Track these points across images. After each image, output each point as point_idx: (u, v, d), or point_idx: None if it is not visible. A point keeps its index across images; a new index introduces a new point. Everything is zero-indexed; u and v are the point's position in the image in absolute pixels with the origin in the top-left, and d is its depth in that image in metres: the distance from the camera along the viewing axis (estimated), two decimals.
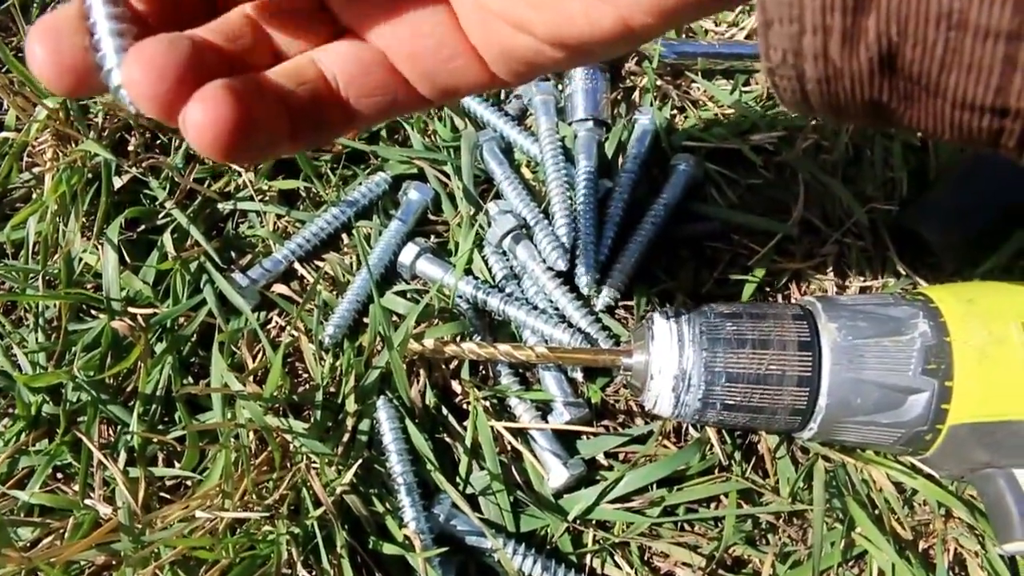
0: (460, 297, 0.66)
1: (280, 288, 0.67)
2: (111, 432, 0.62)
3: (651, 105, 0.76)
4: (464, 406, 0.63)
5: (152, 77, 0.29)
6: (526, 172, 0.73)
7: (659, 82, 0.77)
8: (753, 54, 0.78)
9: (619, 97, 0.77)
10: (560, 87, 0.76)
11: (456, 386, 0.64)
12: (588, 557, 0.59)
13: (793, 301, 0.66)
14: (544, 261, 0.67)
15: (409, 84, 0.36)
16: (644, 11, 0.30)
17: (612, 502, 0.60)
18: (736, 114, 0.75)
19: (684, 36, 0.81)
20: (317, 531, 0.54)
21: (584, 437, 0.63)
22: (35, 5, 0.77)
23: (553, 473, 0.60)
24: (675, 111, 0.76)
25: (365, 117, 0.36)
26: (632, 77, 0.78)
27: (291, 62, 0.34)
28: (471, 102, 0.74)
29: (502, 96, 0.77)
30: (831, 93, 0.28)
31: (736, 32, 0.81)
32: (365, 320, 0.65)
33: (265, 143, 0.32)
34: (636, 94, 0.77)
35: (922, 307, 0.55)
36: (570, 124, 0.74)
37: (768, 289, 0.68)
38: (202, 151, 0.30)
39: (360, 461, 0.57)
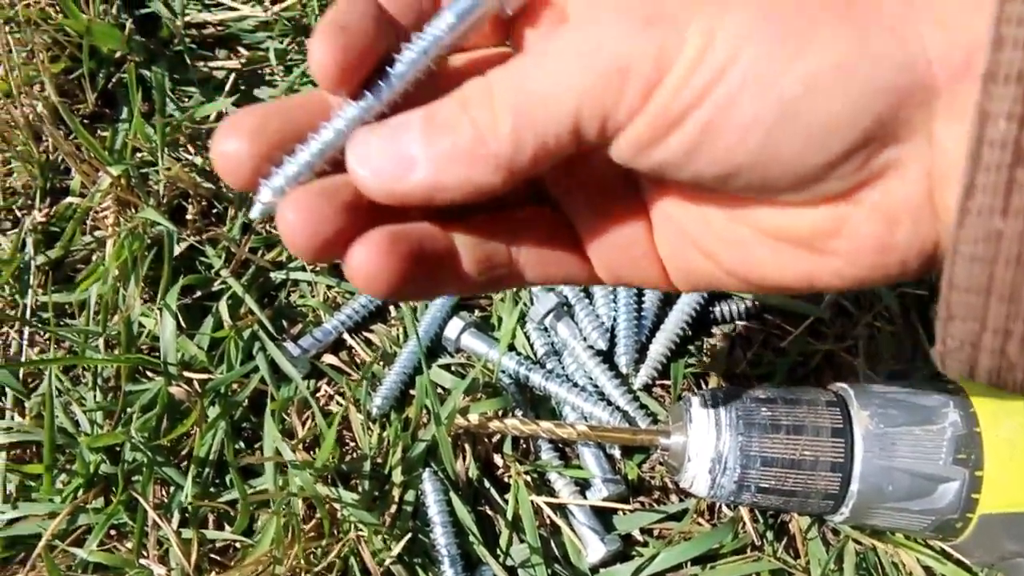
0: (503, 372, 0.68)
1: (330, 358, 0.69)
2: (164, 493, 0.65)
3: None
4: (506, 480, 0.65)
5: (306, 224, 0.31)
6: None
7: None
8: None
9: None
10: None
11: (498, 460, 0.66)
12: None
13: (827, 387, 0.69)
14: (585, 339, 0.69)
15: (589, 264, 0.38)
16: (833, 274, 0.32)
17: None
18: None
19: None
20: None
21: (621, 513, 0.65)
22: (100, 76, 0.80)
23: (591, 548, 0.62)
24: None
25: (531, 280, 0.37)
26: None
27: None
28: None
29: None
30: (1001, 379, 0.29)
31: None
32: (412, 392, 0.67)
33: (427, 292, 0.34)
34: None
35: (952, 396, 0.57)
36: None
37: (800, 369, 0.70)
38: (363, 291, 0.32)
39: (408, 534, 0.59)
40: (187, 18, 0.84)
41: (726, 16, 0.28)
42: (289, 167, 0.32)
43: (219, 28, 0.85)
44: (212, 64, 0.83)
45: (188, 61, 0.82)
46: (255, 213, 0.33)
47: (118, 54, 0.80)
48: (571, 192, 0.37)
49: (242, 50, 0.85)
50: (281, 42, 0.84)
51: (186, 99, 0.81)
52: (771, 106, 0.28)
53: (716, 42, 0.28)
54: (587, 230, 0.37)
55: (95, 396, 0.67)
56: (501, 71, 0.31)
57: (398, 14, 0.33)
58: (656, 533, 0.65)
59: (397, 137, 0.31)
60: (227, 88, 0.79)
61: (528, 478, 0.64)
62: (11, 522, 0.63)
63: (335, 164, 0.33)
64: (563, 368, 0.70)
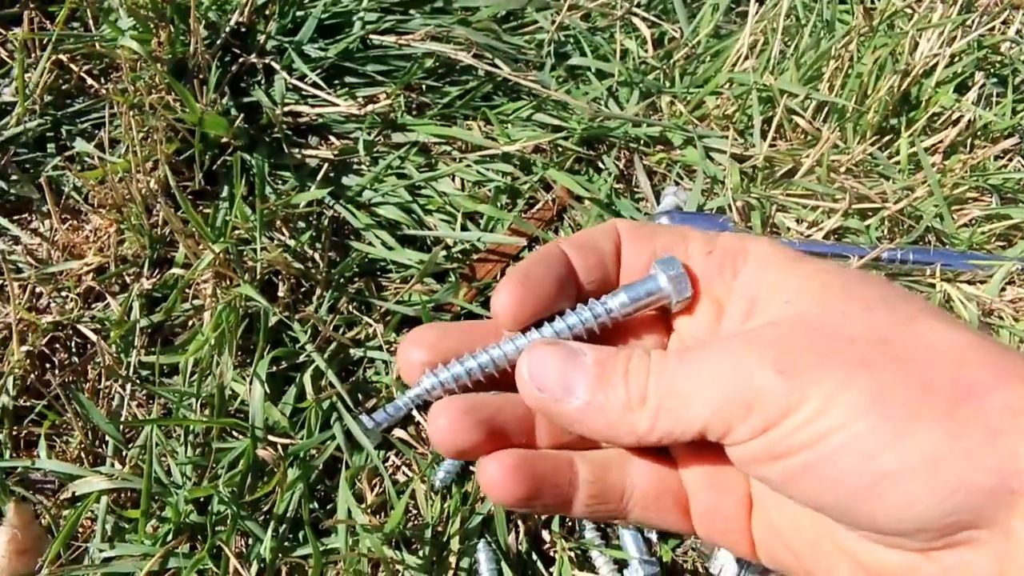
0: None
1: (400, 432, 0.77)
2: (245, 544, 0.72)
3: None
4: (552, 554, 0.72)
5: (449, 433, 0.38)
6: None
7: None
8: (830, 252, 0.88)
9: None
10: None
11: (546, 536, 0.73)
12: None
13: None
14: None
15: (689, 521, 0.42)
16: None
17: None
18: None
19: (769, 231, 0.91)
20: None
21: None
22: (206, 157, 0.89)
23: None
24: None
25: (631, 521, 0.43)
26: None
27: (603, 453, 0.41)
28: None
29: None
30: None
31: (815, 232, 0.91)
32: (472, 468, 0.75)
33: (541, 508, 0.40)
34: None
35: None
36: None
37: None
38: (489, 498, 0.40)
39: None
40: (285, 107, 0.93)
41: (846, 389, 0.33)
42: (452, 369, 0.40)
43: (314, 119, 0.94)
44: (306, 152, 0.92)
45: (285, 148, 0.91)
46: (412, 393, 0.41)
47: (224, 139, 0.89)
48: (692, 459, 0.42)
49: (333, 139, 0.94)
50: (369, 134, 0.93)
51: (281, 183, 0.90)
52: (862, 474, 0.32)
53: (832, 408, 0.33)
54: (697, 497, 0.42)
55: (186, 451, 0.75)
56: (660, 362, 0.37)
57: (585, 272, 0.41)
58: None
59: (570, 368, 0.37)
60: (319, 177, 0.87)
61: (572, 554, 0.71)
62: (107, 560, 0.70)
63: (490, 380, 0.40)
64: None
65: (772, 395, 0.33)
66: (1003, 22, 1.21)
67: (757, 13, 1.05)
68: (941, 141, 0.99)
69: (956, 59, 1.09)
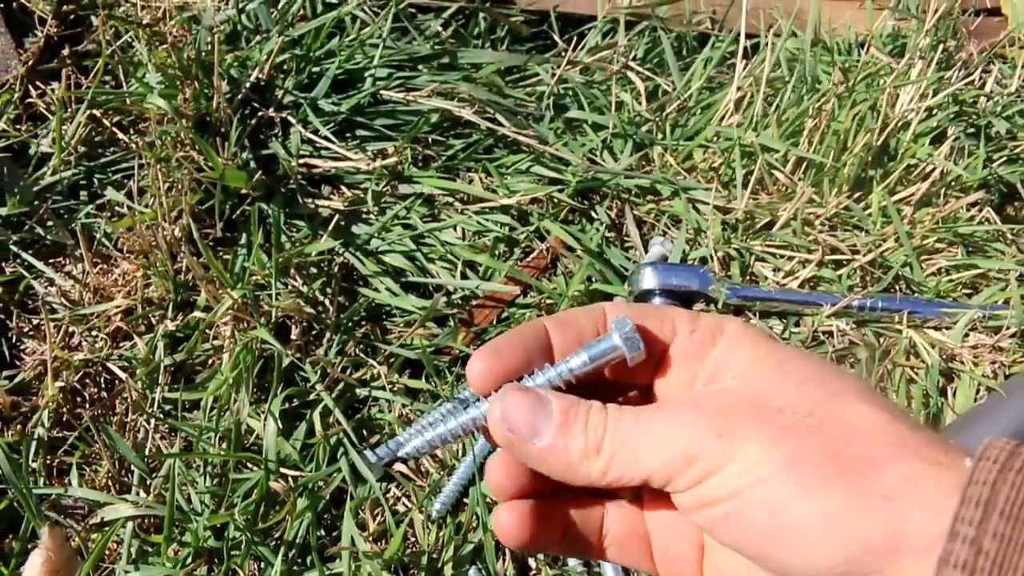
0: None
1: (400, 466, 0.84)
2: (257, 568, 0.79)
3: None
4: None
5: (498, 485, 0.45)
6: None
7: None
8: (804, 300, 0.94)
9: None
10: None
11: (532, 563, 0.80)
12: None
13: None
14: None
15: (652, 562, 0.48)
16: None
17: None
18: None
19: (747, 280, 0.97)
20: None
21: None
22: (226, 207, 0.96)
23: None
24: None
25: (608, 560, 0.49)
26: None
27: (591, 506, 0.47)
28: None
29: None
30: None
31: (791, 281, 0.97)
32: (465, 500, 0.81)
33: (538, 549, 0.48)
34: None
35: None
36: None
37: None
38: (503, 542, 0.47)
39: None
40: (300, 160, 1.00)
41: (769, 451, 0.38)
42: (426, 435, 0.47)
43: (327, 170, 1.01)
44: (319, 202, 0.99)
45: (299, 198, 0.98)
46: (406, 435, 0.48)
47: (243, 190, 0.96)
48: (655, 505, 0.47)
49: (344, 189, 1.02)
50: (378, 185, 1.00)
51: (296, 231, 0.97)
52: (773, 524, 0.38)
53: (756, 467, 0.38)
54: (657, 539, 0.47)
55: (205, 481, 0.82)
56: (617, 416, 0.42)
57: (560, 348, 0.46)
58: None
59: (537, 413, 0.42)
60: (330, 227, 0.94)
61: None
62: None
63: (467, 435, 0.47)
64: None
65: (709, 454, 0.39)
66: (984, 71, 1.28)
67: (744, 70, 1.11)
68: (913, 194, 1.05)
69: (932, 112, 1.15)
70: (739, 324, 0.45)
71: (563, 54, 1.13)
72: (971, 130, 1.20)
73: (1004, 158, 1.19)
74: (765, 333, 0.45)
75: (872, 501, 0.37)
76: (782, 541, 0.38)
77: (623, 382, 0.48)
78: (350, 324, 0.91)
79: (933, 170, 1.08)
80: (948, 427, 0.88)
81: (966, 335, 0.95)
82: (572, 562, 0.80)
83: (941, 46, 1.20)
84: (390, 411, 0.88)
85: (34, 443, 0.83)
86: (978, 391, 0.92)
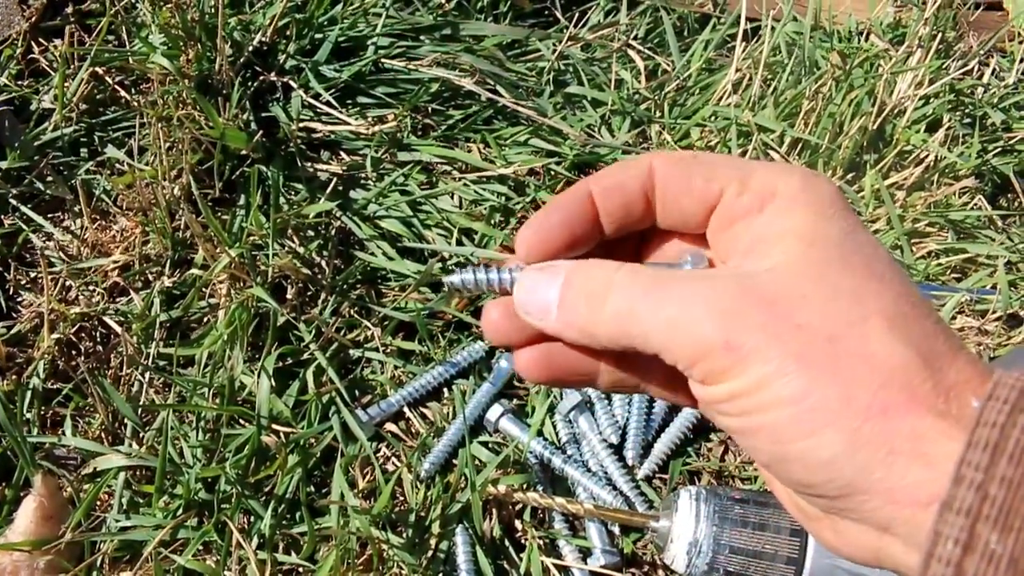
0: (531, 453, 0.83)
1: (391, 426, 0.85)
2: (247, 520, 0.80)
3: None
4: (523, 541, 0.80)
5: (498, 328, 0.44)
6: None
7: None
8: None
9: None
10: None
11: (518, 524, 0.81)
12: None
13: None
14: (600, 433, 0.84)
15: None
16: (827, 542, 0.40)
17: None
18: None
19: None
20: None
21: None
22: (226, 167, 0.97)
23: None
24: None
25: (647, 391, 0.48)
26: None
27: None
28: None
29: None
30: None
31: None
32: (454, 461, 0.83)
33: (567, 386, 0.48)
34: None
35: None
36: None
37: None
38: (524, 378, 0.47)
39: (439, 574, 0.74)
40: (300, 123, 1.01)
41: (779, 378, 0.36)
42: (471, 274, 0.46)
43: (326, 135, 1.02)
44: (318, 166, 1.00)
45: (299, 162, 0.99)
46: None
47: (243, 151, 0.97)
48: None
49: (343, 155, 1.02)
50: (376, 152, 1.01)
51: (294, 194, 0.98)
52: (776, 451, 0.37)
53: (761, 392, 0.37)
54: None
55: (198, 435, 0.83)
56: (629, 283, 0.40)
57: (606, 217, 0.45)
58: None
59: (545, 290, 0.43)
60: (328, 190, 0.95)
61: (541, 542, 0.79)
62: (123, 529, 0.78)
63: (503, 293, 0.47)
64: (580, 455, 0.84)
65: (714, 361, 0.38)
66: (983, 63, 1.29)
67: (744, 52, 1.12)
68: (906, 179, 1.06)
69: (929, 100, 1.16)
70: (797, 185, 0.41)
71: (565, 30, 1.14)
72: (967, 120, 1.21)
73: (999, 149, 1.20)
74: (827, 197, 0.41)
75: (876, 454, 0.36)
76: (786, 467, 0.38)
77: (676, 231, 0.46)
78: (345, 286, 0.92)
79: (927, 156, 1.09)
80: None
81: (953, 318, 0.96)
82: (558, 524, 0.81)
83: (940, 36, 1.21)
84: (382, 372, 0.88)
85: (29, 393, 0.84)
86: None
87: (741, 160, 0.44)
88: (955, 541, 0.33)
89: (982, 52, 1.27)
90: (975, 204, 1.10)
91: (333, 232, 0.96)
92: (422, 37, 1.10)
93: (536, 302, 0.43)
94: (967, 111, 1.22)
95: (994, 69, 1.28)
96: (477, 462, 0.82)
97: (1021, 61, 1.28)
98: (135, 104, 1.00)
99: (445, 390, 0.88)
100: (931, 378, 0.37)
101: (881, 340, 0.37)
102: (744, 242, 0.41)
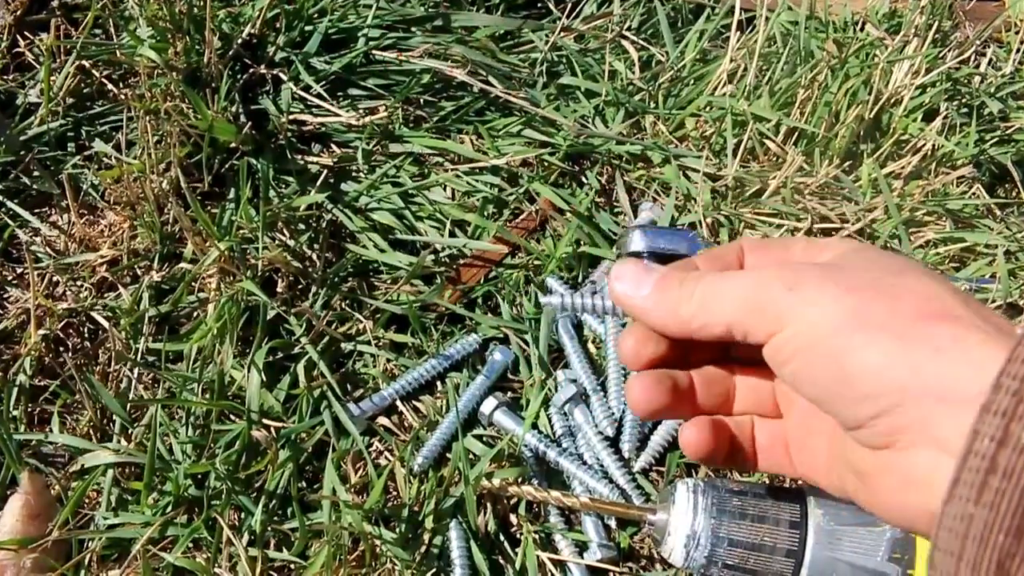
0: (525, 446, 0.82)
1: (383, 420, 0.83)
2: (238, 517, 0.79)
3: None
4: (518, 536, 0.79)
5: (641, 396, 0.50)
6: (592, 348, 0.90)
7: None
8: None
9: None
10: None
11: (513, 519, 0.80)
12: None
13: (793, 486, 0.81)
14: (596, 425, 0.83)
15: (794, 466, 0.53)
16: (864, 503, 0.46)
17: None
18: None
19: None
20: None
21: (611, 574, 0.78)
22: (215, 161, 0.96)
23: None
24: None
25: (760, 468, 0.54)
26: None
27: (741, 418, 0.54)
28: (553, 283, 0.92)
29: (579, 280, 0.94)
30: None
31: None
32: (448, 455, 0.81)
33: (711, 461, 0.53)
34: None
35: None
36: None
37: None
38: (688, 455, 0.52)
39: (433, 570, 0.73)
40: (290, 116, 0.99)
41: (834, 304, 0.42)
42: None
43: (317, 127, 1.01)
44: (308, 158, 0.99)
45: (289, 154, 0.97)
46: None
47: (232, 144, 0.96)
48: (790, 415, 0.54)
49: (334, 147, 1.01)
50: (368, 144, 0.99)
51: (284, 186, 0.96)
52: (836, 375, 0.42)
53: (822, 320, 0.42)
54: (793, 444, 0.53)
55: (187, 431, 0.81)
56: (710, 275, 0.47)
57: None
58: None
59: (643, 274, 0.50)
60: (319, 182, 0.94)
61: (536, 536, 0.77)
62: (112, 527, 0.77)
63: None
64: (576, 448, 0.83)
65: (778, 303, 0.43)
66: (979, 52, 1.28)
67: (738, 42, 1.11)
68: (903, 168, 1.05)
69: (926, 89, 1.15)
70: (849, 246, 0.48)
71: (558, 21, 1.13)
72: (964, 110, 1.20)
73: (996, 139, 1.19)
74: (881, 261, 0.46)
75: (924, 351, 0.40)
76: (847, 386, 0.42)
77: None
78: (336, 279, 0.91)
79: (924, 145, 1.08)
80: None
81: None
82: (553, 518, 0.79)
83: (936, 25, 1.20)
84: (375, 366, 0.87)
85: (15, 390, 0.83)
86: None
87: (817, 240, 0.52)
88: (991, 438, 0.36)
89: (979, 41, 1.26)
90: (973, 193, 1.09)
91: (324, 225, 0.94)
92: (413, 28, 1.08)
93: (632, 279, 0.50)
94: (964, 101, 1.21)
95: (991, 59, 1.27)
96: (471, 456, 0.81)
97: (1018, 51, 1.27)
98: (123, 97, 0.98)
99: (438, 383, 0.87)
100: (969, 307, 0.41)
101: (921, 280, 0.42)
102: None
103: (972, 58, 1.25)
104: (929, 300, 0.41)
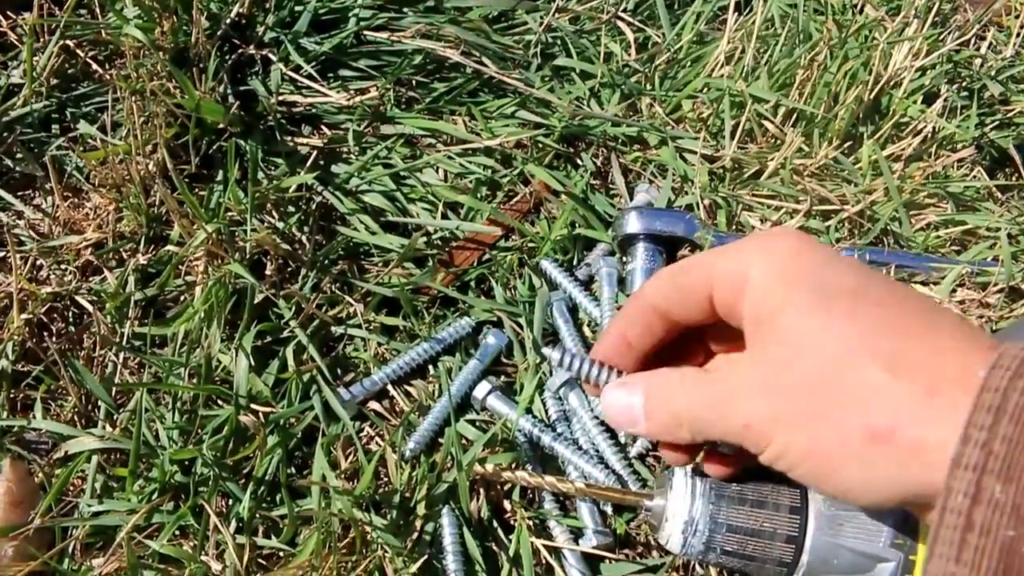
0: (519, 431, 0.80)
1: (374, 405, 0.82)
2: (225, 504, 0.77)
3: None
4: (512, 522, 0.77)
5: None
6: (587, 331, 0.88)
7: None
8: None
9: None
10: (623, 262, 0.91)
11: (507, 505, 0.78)
12: None
13: None
14: (592, 410, 0.81)
15: None
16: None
17: None
18: None
19: (734, 229, 0.95)
20: None
21: (607, 561, 0.76)
22: (203, 142, 0.94)
23: None
24: None
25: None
26: None
27: None
28: (547, 266, 0.90)
29: (574, 263, 0.92)
30: None
31: None
32: (440, 440, 0.80)
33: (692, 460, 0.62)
34: None
35: None
36: (628, 295, 0.89)
37: None
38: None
39: (424, 557, 0.71)
40: (280, 97, 0.97)
41: (798, 439, 0.46)
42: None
43: (307, 108, 0.99)
44: (298, 140, 0.97)
45: (278, 136, 0.95)
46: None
47: (220, 125, 0.94)
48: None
49: (324, 129, 0.99)
50: (359, 125, 0.98)
51: (273, 168, 0.94)
52: (823, 487, 0.48)
53: (789, 451, 0.47)
54: None
55: (174, 416, 0.80)
56: (688, 391, 0.53)
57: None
58: None
59: (629, 402, 0.56)
60: (308, 164, 0.92)
61: (530, 523, 0.76)
62: (96, 514, 0.75)
63: None
64: (571, 433, 0.81)
65: (752, 440, 0.49)
66: (979, 36, 1.26)
67: (736, 23, 1.09)
68: (903, 150, 1.04)
69: (926, 71, 1.13)
70: (758, 276, 0.50)
71: (552, 2, 1.11)
72: (964, 93, 1.18)
73: (996, 122, 1.17)
74: (788, 261, 0.49)
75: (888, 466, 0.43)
76: (833, 492, 0.48)
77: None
78: (326, 262, 0.89)
79: (924, 128, 1.06)
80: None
81: (954, 290, 0.93)
82: (548, 504, 0.78)
83: (936, 7, 1.18)
84: (365, 349, 0.85)
85: None
86: None
87: (705, 256, 0.55)
88: (964, 494, 0.37)
89: (979, 24, 1.24)
90: (974, 175, 1.07)
91: (314, 207, 0.92)
92: (405, 8, 1.06)
93: (624, 417, 0.56)
94: (964, 84, 1.19)
95: (991, 43, 1.25)
96: (464, 441, 0.79)
97: (1018, 35, 1.25)
98: (108, 78, 0.96)
99: (430, 367, 0.85)
100: (920, 368, 0.43)
101: (863, 379, 0.44)
102: (747, 327, 0.51)
103: (972, 41, 1.24)
104: (868, 409, 0.43)
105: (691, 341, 0.61)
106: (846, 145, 1.04)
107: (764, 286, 0.49)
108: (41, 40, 0.96)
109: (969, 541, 0.37)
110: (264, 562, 0.75)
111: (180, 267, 0.88)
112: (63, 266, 0.89)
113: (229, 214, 0.89)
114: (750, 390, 0.48)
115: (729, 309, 0.53)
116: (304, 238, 0.90)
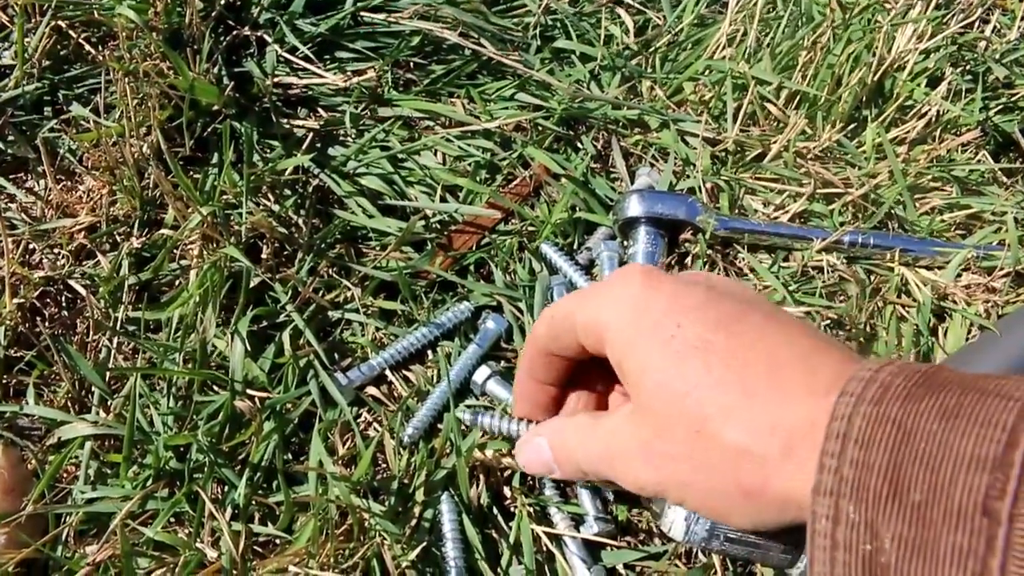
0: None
1: (372, 390, 0.80)
2: (221, 490, 0.76)
3: (701, 269, 0.89)
4: (512, 509, 0.76)
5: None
6: None
7: (709, 251, 0.90)
8: (793, 234, 0.91)
9: (674, 261, 0.91)
10: (624, 245, 0.90)
11: (507, 491, 0.77)
12: None
13: None
14: None
15: None
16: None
17: None
18: (771, 289, 0.88)
19: (736, 213, 0.94)
20: None
21: (608, 548, 0.75)
22: (197, 124, 0.92)
23: (579, 575, 0.73)
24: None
25: None
26: (687, 244, 0.91)
27: None
28: (547, 250, 0.89)
29: (574, 247, 0.91)
30: None
31: (781, 215, 0.94)
32: (439, 426, 0.78)
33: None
34: (689, 259, 0.91)
35: None
36: None
37: None
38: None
39: (423, 544, 0.70)
40: (275, 79, 0.96)
41: (688, 496, 0.52)
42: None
43: (303, 90, 0.97)
44: (294, 122, 0.95)
45: (274, 118, 0.94)
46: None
47: (215, 107, 0.92)
48: None
49: (321, 111, 0.98)
50: (356, 107, 0.96)
51: (269, 151, 0.93)
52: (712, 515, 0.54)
53: (684, 503, 0.53)
54: None
55: (168, 402, 0.78)
56: (582, 442, 0.59)
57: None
58: (638, 570, 0.75)
59: (539, 457, 0.62)
60: (304, 146, 0.91)
61: (531, 509, 0.75)
62: (90, 501, 0.74)
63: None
64: None
65: (657, 493, 0.54)
66: (983, 19, 1.25)
67: (737, 5, 1.08)
68: (908, 132, 1.02)
69: (930, 54, 1.12)
70: (613, 332, 0.54)
71: None
72: (968, 76, 1.17)
73: (1001, 106, 1.16)
74: (641, 308, 0.53)
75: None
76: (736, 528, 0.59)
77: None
78: (323, 245, 0.88)
79: (928, 111, 1.05)
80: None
81: (959, 275, 0.92)
82: (548, 491, 0.77)
83: None
84: (363, 334, 0.84)
85: None
86: (969, 331, 0.89)
87: (569, 302, 0.59)
88: (827, 517, 0.41)
89: (982, 8, 1.23)
90: (979, 159, 1.06)
91: (310, 190, 0.91)
92: None
93: (540, 468, 0.63)
94: (968, 67, 1.18)
95: (995, 26, 1.24)
96: (463, 427, 0.78)
97: (1022, 18, 1.24)
98: (101, 59, 0.95)
99: (429, 352, 0.84)
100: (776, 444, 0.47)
101: (736, 443, 0.48)
102: (621, 375, 0.55)
103: (976, 24, 1.22)
104: (739, 472, 0.48)
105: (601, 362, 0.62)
106: (850, 128, 1.03)
107: (621, 342, 0.53)
108: (32, 21, 0.95)
109: (837, 558, 0.41)
110: (260, 549, 0.74)
111: (175, 251, 0.86)
112: (56, 250, 0.87)
113: (224, 197, 0.87)
114: (635, 456, 0.53)
115: (600, 354, 0.57)
116: (301, 221, 0.88)
